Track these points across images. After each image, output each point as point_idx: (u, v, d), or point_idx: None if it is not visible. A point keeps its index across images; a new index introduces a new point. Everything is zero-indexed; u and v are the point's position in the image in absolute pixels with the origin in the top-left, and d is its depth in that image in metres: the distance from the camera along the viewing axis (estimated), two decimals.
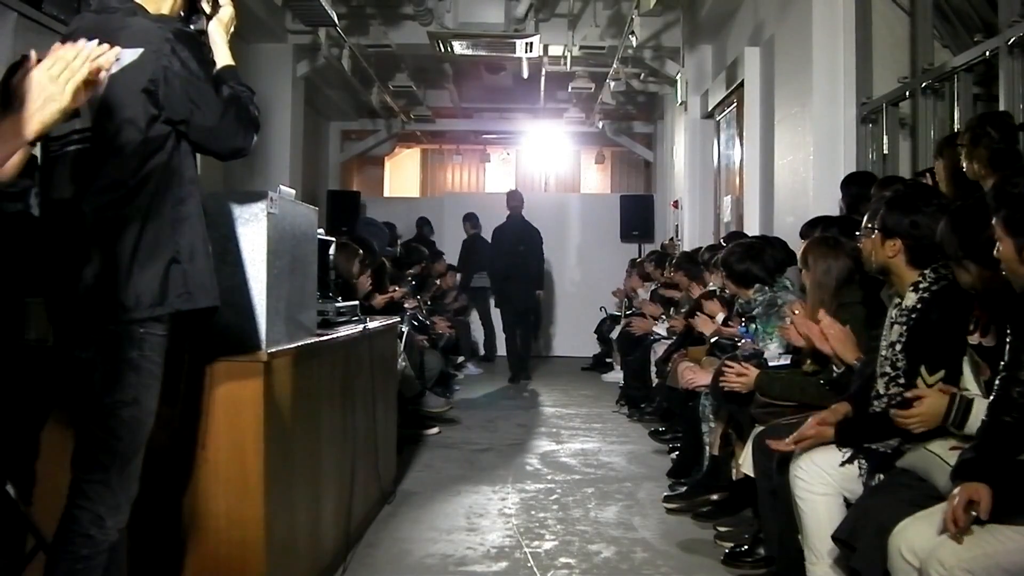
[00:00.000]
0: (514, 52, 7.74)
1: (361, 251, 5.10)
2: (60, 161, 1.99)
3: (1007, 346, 1.96)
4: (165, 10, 2.10)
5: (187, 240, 2.02)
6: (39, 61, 1.50)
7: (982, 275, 2.08)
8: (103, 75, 1.57)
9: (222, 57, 2.21)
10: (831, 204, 4.48)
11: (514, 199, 8.64)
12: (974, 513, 1.79)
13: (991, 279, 2.04)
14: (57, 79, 1.45)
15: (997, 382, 1.97)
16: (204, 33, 2.20)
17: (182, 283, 2.00)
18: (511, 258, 8.38)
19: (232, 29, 2.26)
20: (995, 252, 1.89)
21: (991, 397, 1.98)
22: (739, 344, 3.94)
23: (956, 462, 1.97)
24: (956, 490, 1.84)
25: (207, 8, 2.21)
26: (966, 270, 2.13)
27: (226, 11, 2.24)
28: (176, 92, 1.97)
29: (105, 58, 1.54)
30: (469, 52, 7.74)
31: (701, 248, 5.89)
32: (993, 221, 1.89)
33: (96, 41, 1.55)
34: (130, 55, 1.93)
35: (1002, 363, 1.97)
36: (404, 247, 8.43)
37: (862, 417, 2.50)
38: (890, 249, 2.48)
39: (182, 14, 2.19)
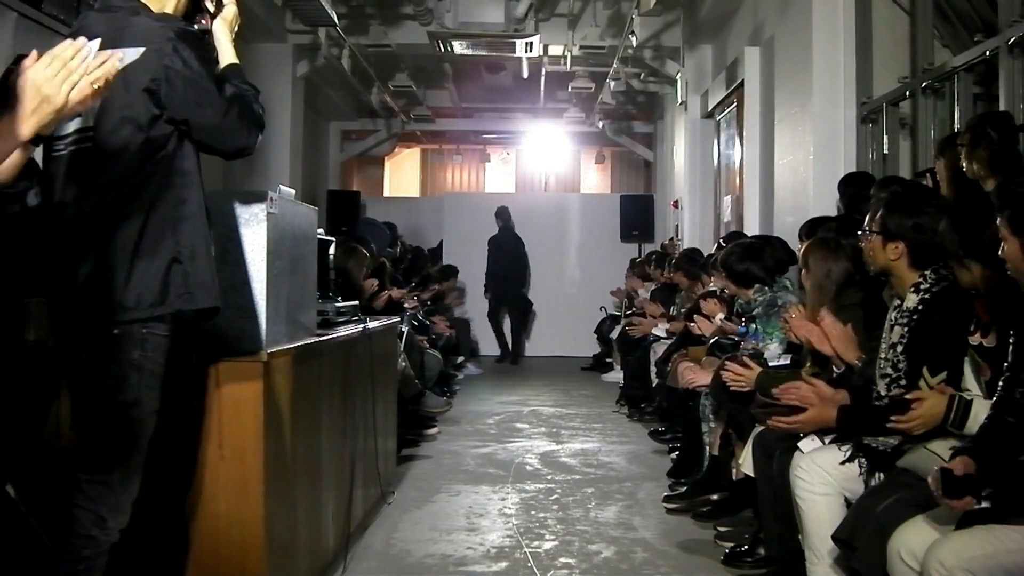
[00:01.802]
0: (514, 52, 7.74)
1: (368, 255, 5.10)
2: (62, 161, 1.99)
3: (1011, 347, 1.96)
4: (169, 9, 2.10)
5: (188, 240, 2.02)
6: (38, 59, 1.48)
7: (983, 274, 2.08)
8: (110, 77, 1.54)
9: (226, 56, 2.20)
10: (831, 204, 4.48)
11: (503, 215, 10.17)
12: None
13: (992, 278, 2.04)
14: (53, 79, 1.41)
15: (1001, 383, 1.97)
16: (208, 32, 2.20)
17: (183, 283, 2.00)
18: (504, 263, 10.00)
19: (236, 28, 2.25)
20: (1000, 252, 1.89)
21: (994, 397, 1.98)
22: (740, 343, 3.93)
23: (952, 453, 1.98)
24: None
25: (211, 7, 2.20)
26: (967, 269, 2.13)
27: (230, 9, 2.23)
28: (178, 91, 1.97)
29: (108, 66, 1.52)
30: (469, 52, 7.74)
31: (710, 250, 5.86)
32: (998, 220, 1.89)
33: (98, 41, 1.54)
34: (132, 54, 1.93)
35: (1006, 364, 1.97)
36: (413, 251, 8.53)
37: (864, 408, 2.49)
38: (892, 252, 2.47)
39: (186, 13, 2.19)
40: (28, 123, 1.41)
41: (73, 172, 1.97)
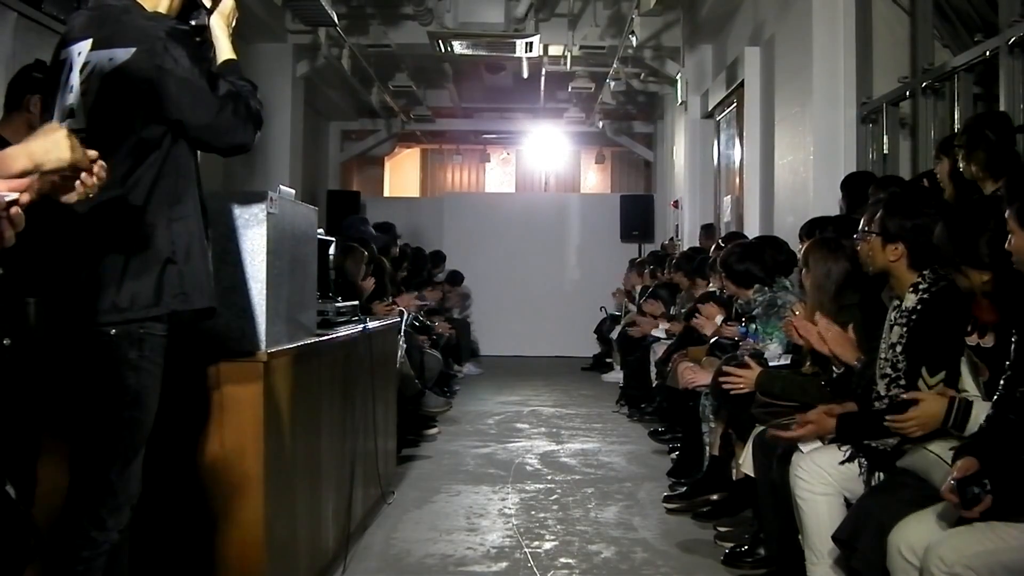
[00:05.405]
0: (514, 52, 7.74)
1: (367, 253, 5.10)
2: None
3: (1013, 345, 1.95)
4: (162, 8, 2.08)
5: (183, 240, 2.00)
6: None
7: (982, 279, 2.08)
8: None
9: (224, 51, 2.18)
10: (831, 204, 4.49)
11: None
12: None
13: (992, 282, 2.04)
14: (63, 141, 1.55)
15: (1002, 381, 1.97)
16: (206, 29, 2.18)
17: (178, 283, 1.98)
18: None
19: (234, 23, 2.24)
20: (1007, 244, 1.89)
21: (995, 396, 1.98)
22: (740, 343, 3.93)
23: (953, 453, 1.98)
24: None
25: (207, 3, 2.19)
26: (965, 276, 2.13)
27: (227, 4, 2.21)
28: (170, 91, 1.96)
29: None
30: (469, 52, 7.75)
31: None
32: (1006, 213, 1.89)
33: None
34: (123, 54, 1.92)
35: (1008, 363, 1.96)
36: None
37: (863, 414, 2.50)
38: (892, 253, 2.47)
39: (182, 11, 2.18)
40: (26, 161, 1.52)
41: None
